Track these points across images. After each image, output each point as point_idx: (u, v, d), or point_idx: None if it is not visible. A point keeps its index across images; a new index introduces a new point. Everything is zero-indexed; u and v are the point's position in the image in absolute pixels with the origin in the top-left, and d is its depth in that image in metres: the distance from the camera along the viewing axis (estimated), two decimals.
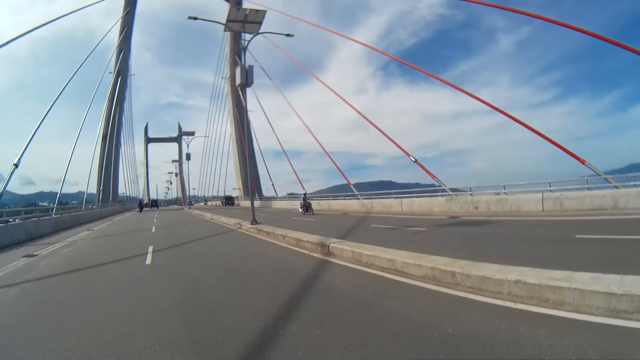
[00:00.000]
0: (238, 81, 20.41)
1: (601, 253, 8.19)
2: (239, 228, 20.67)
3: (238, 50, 72.37)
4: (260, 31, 20.83)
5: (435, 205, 25.06)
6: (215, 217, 31.60)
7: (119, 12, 70.15)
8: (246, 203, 69.12)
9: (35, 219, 25.24)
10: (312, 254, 11.00)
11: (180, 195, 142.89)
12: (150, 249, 14.15)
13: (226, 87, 78.85)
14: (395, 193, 31.78)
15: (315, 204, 40.04)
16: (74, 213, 36.08)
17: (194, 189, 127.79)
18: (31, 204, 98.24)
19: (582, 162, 19.71)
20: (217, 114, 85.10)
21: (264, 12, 19.30)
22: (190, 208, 69.72)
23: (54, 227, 27.09)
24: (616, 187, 18.33)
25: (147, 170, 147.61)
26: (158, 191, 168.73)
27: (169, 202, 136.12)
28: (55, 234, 24.57)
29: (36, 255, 14.85)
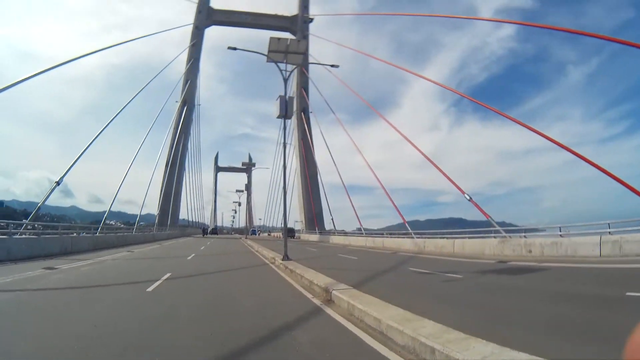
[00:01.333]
0: (277, 113, 19.85)
1: None
2: (272, 263, 19.97)
3: (305, 84, 73.57)
4: (310, 62, 20.43)
5: (487, 247, 23.13)
6: (260, 249, 31.00)
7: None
8: (307, 236, 69.10)
9: (74, 234, 26.54)
10: (314, 299, 10.05)
11: (247, 224, 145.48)
12: (167, 276, 14.01)
13: (293, 121, 79.52)
14: (450, 233, 30.41)
15: (369, 242, 39.55)
16: (120, 234, 37.47)
17: (260, 219, 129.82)
18: (98, 221, 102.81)
19: None
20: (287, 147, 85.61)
21: (306, 42, 18.94)
22: (246, 238, 69.64)
23: (94, 244, 27.98)
24: None
25: (215, 198, 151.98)
26: (224, 219, 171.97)
27: (237, 231, 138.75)
28: (92, 251, 25.25)
29: (56, 268, 15.63)
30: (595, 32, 20.34)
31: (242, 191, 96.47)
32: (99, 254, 23.38)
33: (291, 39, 18.92)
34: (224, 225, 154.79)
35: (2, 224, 23.69)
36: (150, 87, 48.14)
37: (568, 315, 7.56)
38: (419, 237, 32.68)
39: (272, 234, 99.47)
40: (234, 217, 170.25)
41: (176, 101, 70.71)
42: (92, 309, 8.59)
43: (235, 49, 20.17)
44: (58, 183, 27.50)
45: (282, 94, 19.84)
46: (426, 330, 5.66)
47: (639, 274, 12.03)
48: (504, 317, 7.46)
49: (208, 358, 5.42)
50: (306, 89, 75.30)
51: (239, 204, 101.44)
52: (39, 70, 29.04)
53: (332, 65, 21.47)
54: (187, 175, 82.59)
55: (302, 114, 75.09)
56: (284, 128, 21.01)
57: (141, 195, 53.97)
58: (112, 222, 45.95)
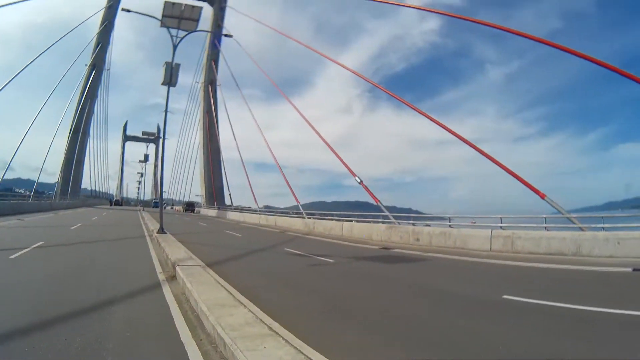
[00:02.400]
0: (163, 79, 18.99)
1: (516, 335, 5.69)
2: (150, 235, 19.47)
3: (216, 56, 71.64)
4: (198, 29, 19.55)
5: (375, 232, 23.01)
6: (149, 222, 30.19)
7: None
8: (206, 211, 68.06)
9: None
10: (162, 274, 9.86)
11: (154, 196, 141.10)
12: (38, 244, 14.19)
13: (200, 93, 77.34)
14: (339, 215, 30.51)
15: (263, 219, 39.66)
16: (14, 201, 36.06)
17: (164, 191, 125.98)
18: (7, 190, 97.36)
19: (542, 196, 17.53)
20: (191, 118, 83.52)
21: (200, 8, 18.14)
22: (143, 210, 66.72)
23: None
24: (581, 228, 15.87)
25: (122, 168, 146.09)
26: (131, 190, 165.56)
27: (144, 203, 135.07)
28: None
29: None
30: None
31: (144, 161, 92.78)
32: None
33: (185, 5, 18.03)
34: (130, 196, 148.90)
35: None
36: (70, 51, 45.48)
37: (420, 315, 6.91)
38: (309, 218, 32.75)
39: (175, 207, 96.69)
40: (138, 189, 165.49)
41: (85, 64, 66.19)
42: None
43: (128, 11, 19.00)
44: None
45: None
46: (232, 320, 5.31)
47: (523, 275, 11.41)
48: (346, 310, 7.10)
49: (18, 324, 5.54)
50: (217, 62, 73.27)
51: (142, 175, 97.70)
52: None
53: (226, 35, 20.83)
54: (92, 143, 78.12)
55: (210, 86, 73.10)
56: (167, 96, 20.11)
57: (52, 162, 51.46)
58: (20, 190, 43.06)
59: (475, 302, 7.73)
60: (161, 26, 18.90)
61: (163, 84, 19.43)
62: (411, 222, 23.62)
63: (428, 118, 23.55)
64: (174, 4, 17.93)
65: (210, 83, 73.07)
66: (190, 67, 79.61)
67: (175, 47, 19.60)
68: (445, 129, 22.49)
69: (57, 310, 6.32)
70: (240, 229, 29.67)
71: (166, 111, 20.67)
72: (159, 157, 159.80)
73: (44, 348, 4.75)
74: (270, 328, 5.04)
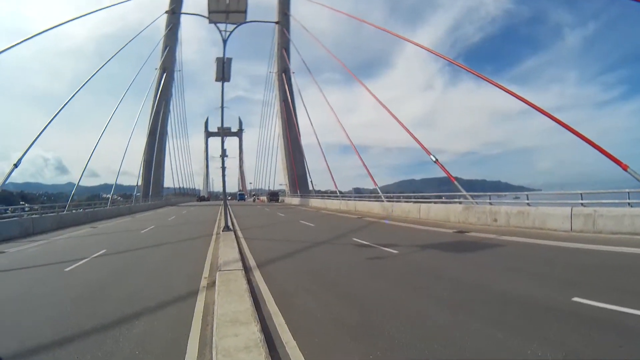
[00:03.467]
0: (215, 76, 18.91)
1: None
2: (217, 234, 19.19)
3: (286, 44, 71.94)
4: (247, 20, 19.12)
5: (452, 213, 22.22)
6: (219, 218, 30.61)
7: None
8: (290, 199, 68.88)
9: (35, 215, 26.23)
10: (205, 279, 9.64)
11: (241, 188, 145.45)
12: (98, 253, 14.68)
13: (274, 81, 78.09)
14: (416, 197, 29.95)
15: (343, 205, 39.59)
16: (89, 210, 36.43)
17: (250, 183, 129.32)
18: (95, 195, 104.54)
19: (624, 167, 15.57)
20: (270, 108, 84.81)
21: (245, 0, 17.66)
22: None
23: (58, 223, 27.37)
24: None
25: (207, 163, 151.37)
26: (216, 184, 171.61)
27: (232, 196, 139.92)
28: (55, 230, 25.10)
29: (4, 252, 16.18)
30: None
31: (223, 156, 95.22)
32: (59, 233, 23.49)
33: None
34: (217, 190, 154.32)
35: None
36: (144, 56, 47.63)
37: (468, 327, 5.57)
38: (388, 201, 32.01)
39: (260, 198, 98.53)
40: (223, 183, 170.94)
41: (155, 68, 69.07)
42: (5, 289, 9.68)
43: (173, 12, 19.13)
44: (16, 165, 26.37)
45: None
46: (232, 342, 4.75)
47: (602, 264, 9.71)
48: (377, 326, 5.80)
49: (33, 342, 5.75)
50: (288, 50, 73.30)
51: (224, 169, 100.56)
52: (25, 38, 28.25)
53: (275, 22, 20.28)
54: (171, 142, 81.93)
55: (284, 75, 73.44)
56: (222, 92, 19.99)
57: (136, 166, 53.94)
58: (107, 195, 45.38)
59: (537, 310, 6.21)
60: (209, 22, 18.76)
61: (217, 80, 19.35)
62: (488, 201, 22.10)
63: (504, 90, 22.01)
64: None
65: (284, 72, 73.48)
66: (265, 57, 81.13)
67: (225, 41, 19.43)
68: (520, 99, 20.86)
69: (79, 326, 6.40)
70: (316, 218, 29.53)
71: (222, 107, 20.67)
72: (240, 150, 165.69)
73: None
74: (267, 356, 4.43)
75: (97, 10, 37.33)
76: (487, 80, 23.09)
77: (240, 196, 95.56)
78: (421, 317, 6.08)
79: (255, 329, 5.19)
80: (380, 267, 10.56)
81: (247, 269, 10.07)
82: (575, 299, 6.60)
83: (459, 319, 5.94)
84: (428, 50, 29.44)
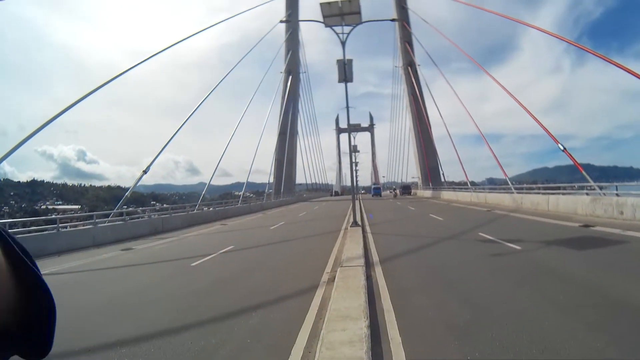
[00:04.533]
0: (338, 77, 19.30)
1: None
2: (345, 229, 19.51)
3: (408, 38, 71.25)
4: (363, 20, 19.30)
5: (579, 205, 20.84)
6: (357, 213, 31.04)
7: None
8: (422, 192, 68.19)
9: (165, 215, 28.10)
10: (327, 274, 9.93)
11: (375, 181, 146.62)
12: (226, 249, 15.34)
13: (401, 75, 77.67)
14: (545, 188, 28.57)
15: (474, 197, 38.81)
16: (220, 208, 38.08)
17: (383, 176, 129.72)
18: (227, 194, 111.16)
19: None
20: (400, 102, 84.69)
21: (357, 0, 17.84)
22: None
23: (189, 221, 29.09)
24: None
25: (340, 159, 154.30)
26: (348, 179, 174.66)
27: (366, 189, 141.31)
28: (184, 228, 26.53)
29: (132, 249, 17.44)
30: None
31: (354, 152, 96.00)
32: (189, 231, 24.85)
33: (342, 1, 17.98)
34: (349, 185, 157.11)
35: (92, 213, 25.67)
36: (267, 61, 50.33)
37: (573, 334, 5.19)
38: (517, 193, 30.76)
39: (394, 191, 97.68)
40: (356, 177, 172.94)
41: (280, 72, 72.26)
42: (130, 283, 10.51)
43: (288, 21, 19.76)
44: (145, 172, 28.66)
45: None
46: (339, 336, 4.98)
47: None
48: (480, 331, 5.54)
49: (156, 325, 6.68)
50: (411, 43, 72.49)
51: (356, 164, 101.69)
52: (152, 54, 30.84)
53: (391, 20, 20.28)
54: (302, 140, 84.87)
55: (409, 68, 72.72)
56: (346, 93, 20.26)
57: (268, 164, 56.64)
58: (239, 193, 47.82)
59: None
60: (326, 27, 19.17)
61: (339, 81, 19.67)
62: (615, 192, 20.24)
63: (624, 69, 20.32)
64: (329, 3, 17.95)
65: (409, 65, 73.09)
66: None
67: (344, 43, 19.71)
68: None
69: (199, 315, 7.08)
70: (446, 211, 28.99)
71: (347, 107, 20.94)
72: (372, 144, 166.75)
73: (167, 350, 5.54)
74: (368, 350, 4.53)
75: (215, 24, 39.41)
76: (607, 60, 21.87)
77: (376, 190, 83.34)
78: (530, 321, 5.80)
79: (363, 324, 5.31)
80: (502, 264, 10.17)
81: (368, 265, 10.20)
82: None
83: (567, 324, 5.60)
84: (546, 32, 28.44)
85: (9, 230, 0.91)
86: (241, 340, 5.73)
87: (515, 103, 29.93)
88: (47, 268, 13.18)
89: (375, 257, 11.73)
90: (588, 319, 5.78)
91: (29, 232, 19.32)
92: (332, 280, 8.83)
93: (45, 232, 17.93)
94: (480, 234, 15.65)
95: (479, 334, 5.39)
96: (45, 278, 0.77)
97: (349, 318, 5.63)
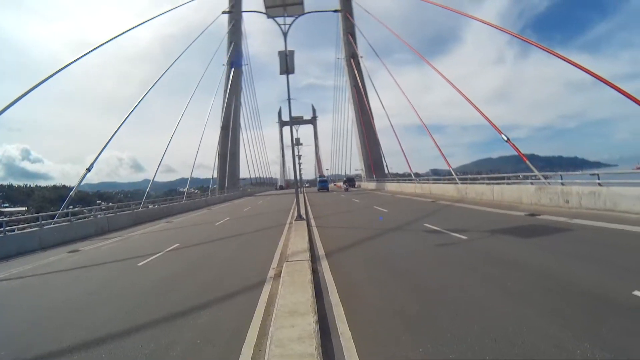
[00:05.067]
0: (280, 69, 19.13)
1: None
2: (290, 223, 19.49)
3: (351, 29, 71.77)
4: (305, 11, 19.18)
5: (524, 194, 21.37)
6: (301, 207, 31.06)
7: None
8: (366, 184, 69.00)
9: (110, 214, 27.49)
10: (273, 270, 9.89)
11: (320, 174, 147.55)
12: (172, 247, 15.43)
13: (344, 67, 78.22)
14: (489, 178, 29.06)
15: (418, 188, 39.61)
16: (165, 205, 38.02)
17: (327, 169, 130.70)
18: (172, 190, 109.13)
19: None
20: (343, 93, 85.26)
21: None
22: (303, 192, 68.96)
23: (135, 220, 28.82)
24: None
25: (283, 152, 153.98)
26: (291, 173, 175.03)
27: (311, 182, 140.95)
28: (131, 227, 26.32)
29: (79, 250, 17.22)
30: None
31: (296, 144, 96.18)
32: (134, 229, 24.67)
33: None
34: (292, 178, 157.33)
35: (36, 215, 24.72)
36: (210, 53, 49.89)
37: (524, 321, 5.36)
38: (462, 183, 31.29)
39: (336, 184, 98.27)
40: (299, 171, 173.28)
41: (223, 64, 71.54)
42: (78, 286, 10.29)
43: (231, 12, 19.44)
44: (89, 169, 27.86)
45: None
46: (288, 333, 4.94)
47: None
48: (434, 315, 5.81)
49: (106, 328, 6.54)
50: (354, 35, 73.07)
51: (300, 157, 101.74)
52: (92, 48, 30.04)
53: (334, 11, 20.30)
54: (245, 133, 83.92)
55: (352, 60, 73.33)
56: (288, 84, 20.14)
57: (212, 159, 56.00)
58: (184, 189, 47.15)
59: (595, 304, 5.82)
60: (268, 17, 18.96)
61: (281, 73, 19.49)
62: (560, 181, 21.02)
63: (568, 62, 20.99)
64: None
65: (352, 57, 73.70)
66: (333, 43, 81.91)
67: (285, 34, 19.54)
68: (585, 70, 19.98)
69: (148, 316, 6.98)
70: (390, 203, 29.33)
71: (289, 99, 20.81)
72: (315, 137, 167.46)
73: (118, 354, 5.48)
74: (318, 346, 4.50)
75: (158, 16, 38.95)
76: (550, 53, 22.66)
77: (322, 184, 74.22)
78: (480, 309, 5.91)
79: (311, 320, 5.27)
80: (448, 254, 10.29)
81: (314, 259, 10.24)
82: (636, 292, 6.13)
83: (518, 311, 5.73)
84: (489, 24, 28.88)
85: None
86: (191, 340, 5.66)
87: (456, 93, 30.51)
88: None
89: (321, 251, 11.78)
90: (539, 304, 5.95)
91: None
92: (278, 275, 8.79)
93: None
94: (426, 224, 15.88)
95: (430, 325, 5.44)
96: None
97: (297, 313, 5.58)
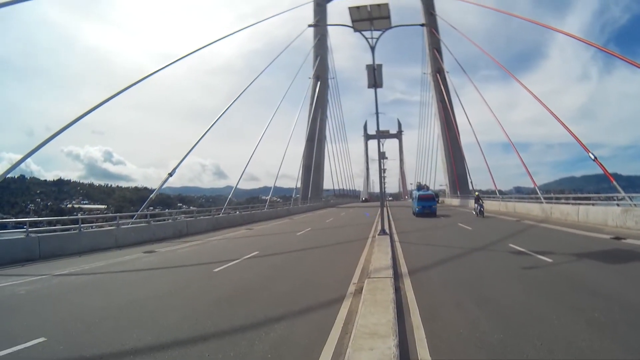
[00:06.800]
0: (368, 82, 19.07)
1: None
2: (373, 237, 19.11)
3: (437, 44, 70.82)
4: (392, 25, 19.03)
5: (610, 216, 20.33)
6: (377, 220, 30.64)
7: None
8: (450, 200, 67.28)
9: (190, 218, 28.59)
10: (354, 285, 9.58)
11: (400, 189, 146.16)
12: (250, 255, 15.21)
13: (429, 82, 77.24)
14: (575, 198, 27.73)
15: (502, 206, 38.97)
16: (246, 212, 38.20)
17: (410, 183, 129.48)
18: (254, 198, 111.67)
19: None
20: (429, 109, 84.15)
21: (386, 4, 17.55)
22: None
23: (214, 225, 29.39)
24: None
25: (368, 166, 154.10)
26: (376, 186, 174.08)
27: (394, 196, 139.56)
28: (209, 232, 26.63)
29: (155, 252, 17.42)
30: None
31: (385, 158, 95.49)
32: (214, 234, 24.91)
33: (370, 5, 17.74)
34: (376, 192, 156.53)
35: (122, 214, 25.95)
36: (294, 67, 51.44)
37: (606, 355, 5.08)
38: (547, 203, 30.19)
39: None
40: (384, 184, 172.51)
41: (309, 77, 72.58)
42: (149, 287, 10.33)
43: (317, 25, 19.59)
44: (170, 174, 28.81)
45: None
46: (365, 356, 4.72)
47: None
48: (516, 345, 5.48)
49: (174, 334, 6.47)
50: (439, 50, 71.88)
51: (384, 171, 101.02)
52: (178, 58, 31.39)
53: (420, 25, 19.84)
54: (330, 146, 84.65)
55: (438, 75, 72.07)
56: (376, 98, 19.95)
57: (296, 169, 56.96)
58: (266, 197, 47.96)
59: None
60: (355, 31, 18.94)
61: (369, 87, 19.37)
62: None
63: None
64: (358, 7, 17.74)
65: (438, 72, 72.49)
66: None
67: (373, 48, 19.41)
68: None
69: (218, 325, 6.82)
70: (475, 221, 28.34)
71: (377, 113, 20.71)
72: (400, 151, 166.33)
73: None
74: None
75: (242, 29, 41.16)
76: (635, 65, 21.59)
77: (424, 202, 75.88)
78: (564, 341, 5.56)
79: (391, 343, 5.01)
80: (534, 278, 9.76)
81: (397, 276, 9.90)
82: None
83: (605, 345, 5.35)
84: (574, 37, 28.47)
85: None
86: (262, 355, 5.46)
87: (543, 111, 29.53)
88: (65, 268, 13.36)
89: (404, 268, 11.39)
90: (627, 338, 5.56)
91: (54, 230, 19.77)
92: (359, 292, 8.56)
93: (66, 232, 18.26)
94: (511, 245, 15.21)
95: (513, 355, 5.15)
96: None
97: (377, 335, 5.33)
